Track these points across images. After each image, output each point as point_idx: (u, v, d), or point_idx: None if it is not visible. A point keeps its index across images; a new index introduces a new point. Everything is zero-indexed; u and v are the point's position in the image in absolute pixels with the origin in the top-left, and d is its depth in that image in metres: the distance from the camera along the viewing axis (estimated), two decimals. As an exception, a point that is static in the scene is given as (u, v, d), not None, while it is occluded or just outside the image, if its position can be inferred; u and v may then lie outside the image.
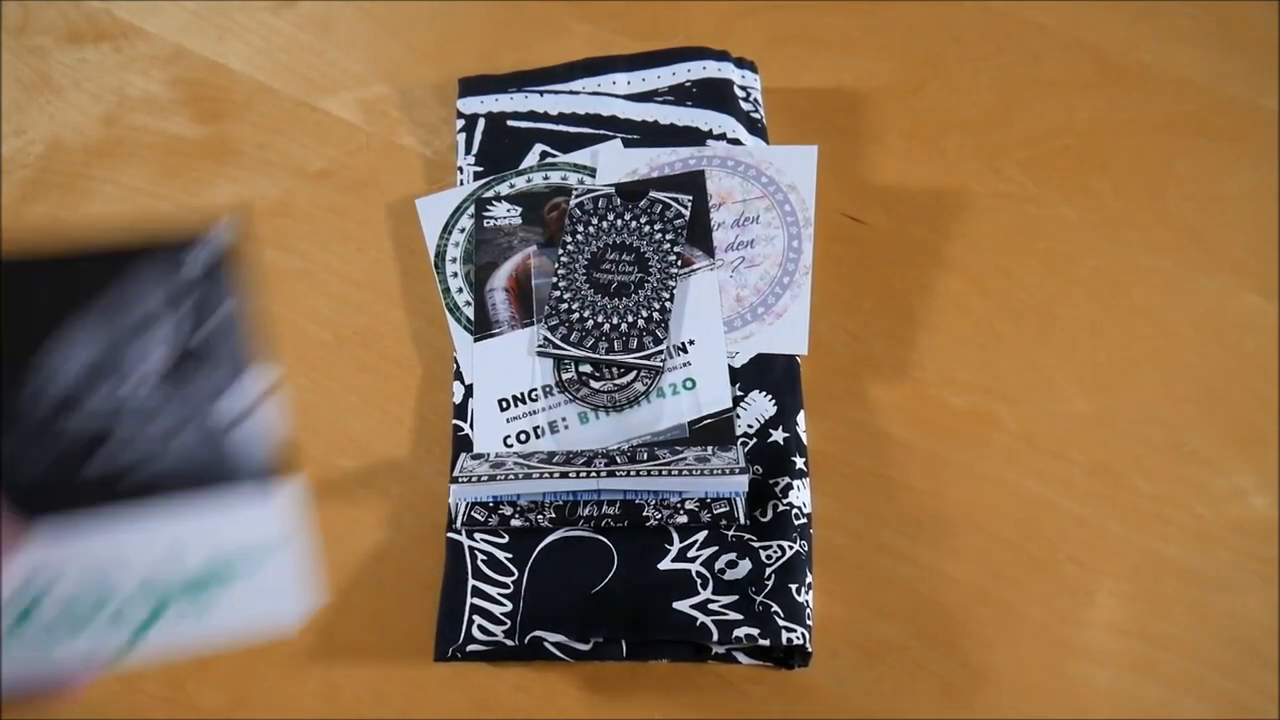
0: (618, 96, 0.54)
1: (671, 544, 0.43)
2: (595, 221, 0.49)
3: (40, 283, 0.35)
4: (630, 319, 0.47)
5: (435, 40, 0.60)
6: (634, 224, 0.49)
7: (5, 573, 0.29)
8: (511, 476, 0.42)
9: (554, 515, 0.43)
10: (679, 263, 0.48)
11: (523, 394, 0.46)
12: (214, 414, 0.33)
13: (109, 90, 0.60)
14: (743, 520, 0.42)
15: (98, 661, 0.30)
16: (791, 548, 0.42)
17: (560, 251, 0.49)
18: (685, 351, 0.47)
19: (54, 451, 0.33)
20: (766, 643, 0.40)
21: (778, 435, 0.45)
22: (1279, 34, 0.56)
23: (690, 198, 0.50)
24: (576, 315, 0.47)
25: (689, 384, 0.46)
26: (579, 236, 0.49)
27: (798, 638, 0.40)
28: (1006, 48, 0.57)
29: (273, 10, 0.62)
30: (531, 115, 0.54)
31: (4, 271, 0.35)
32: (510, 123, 0.54)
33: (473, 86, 0.56)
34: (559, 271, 0.48)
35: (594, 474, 0.42)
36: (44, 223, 0.56)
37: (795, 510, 0.43)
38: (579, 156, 0.53)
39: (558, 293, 0.48)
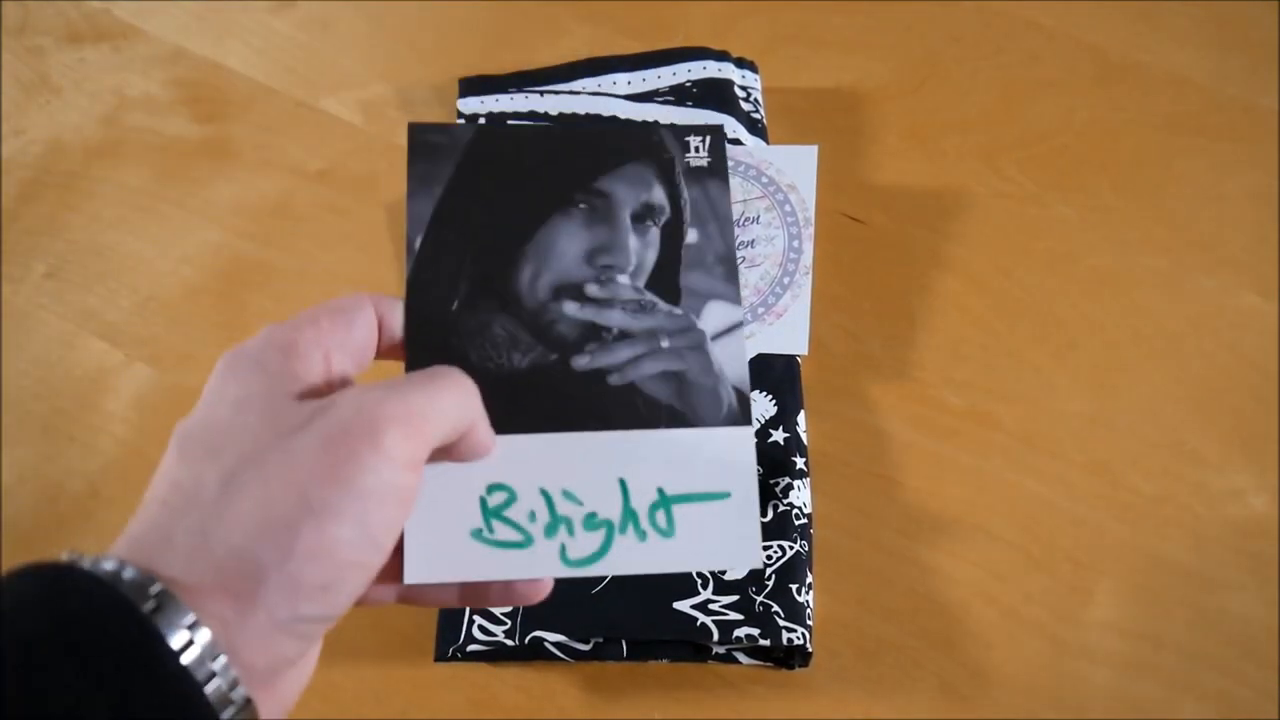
0: (618, 97, 0.54)
1: (672, 544, 0.43)
2: None
3: (546, 157, 0.35)
4: None
5: (435, 40, 0.60)
6: None
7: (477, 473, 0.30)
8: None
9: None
10: None
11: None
12: (701, 320, 0.33)
13: (109, 90, 0.60)
14: (743, 520, 0.42)
15: (544, 573, 0.30)
16: (792, 548, 0.42)
17: None
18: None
19: (548, 337, 0.32)
20: (767, 643, 0.40)
21: (778, 435, 0.45)
22: (1279, 34, 0.56)
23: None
24: None
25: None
26: None
27: (798, 638, 0.40)
28: (1006, 48, 0.57)
29: (273, 10, 0.62)
30: (532, 115, 0.54)
31: (511, 141, 0.36)
32: (511, 123, 0.54)
33: (473, 87, 0.56)
34: None
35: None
36: (44, 223, 0.56)
37: (796, 510, 0.43)
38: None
39: None
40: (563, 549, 0.31)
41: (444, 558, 0.30)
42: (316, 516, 0.24)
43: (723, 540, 0.31)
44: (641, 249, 0.34)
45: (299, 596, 0.24)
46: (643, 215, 0.34)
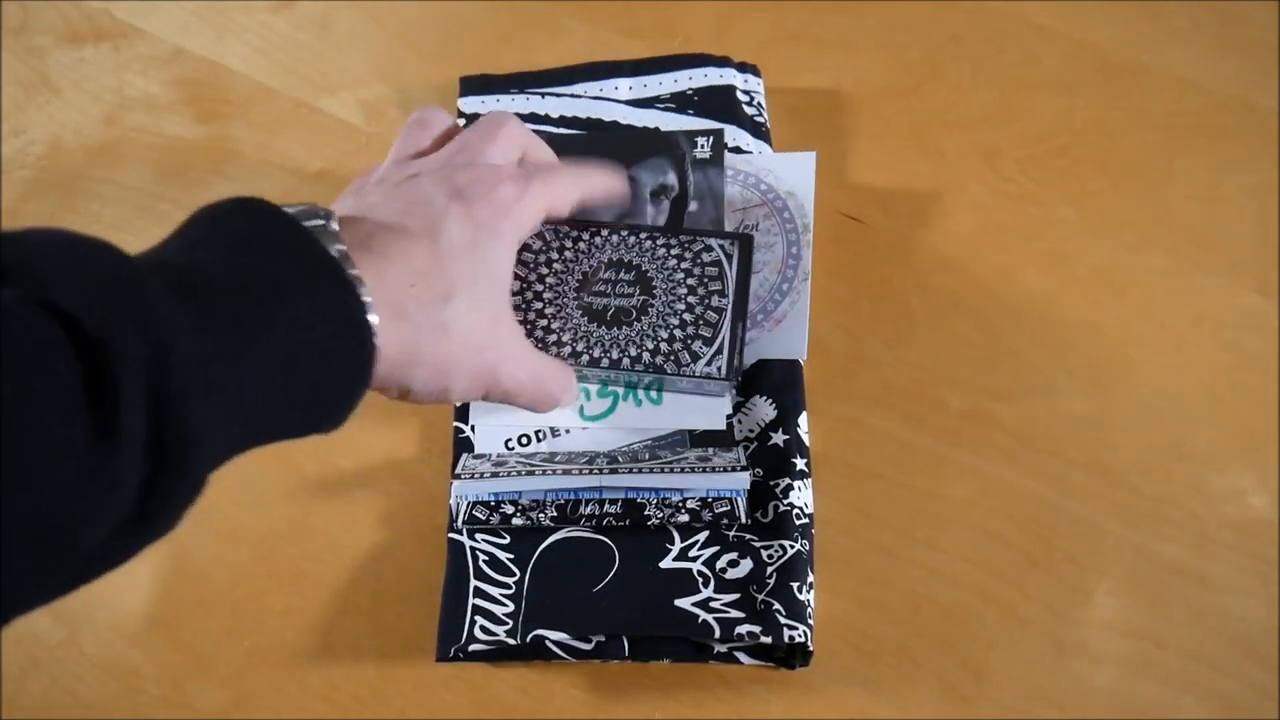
0: (619, 102, 0.54)
1: (673, 543, 0.43)
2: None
3: (594, 153, 0.47)
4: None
5: (435, 40, 0.60)
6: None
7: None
8: (514, 473, 0.42)
9: (555, 514, 0.43)
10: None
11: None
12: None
13: (109, 90, 0.60)
14: (744, 519, 0.42)
15: (566, 425, 0.45)
16: (793, 547, 0.42)
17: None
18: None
19: None
20: (768, 640, 0.40)
21: (778, 438, 0.45)
22: (1279, 34, 0.56)
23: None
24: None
25: (689, 384, 0.46)
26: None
27: (799, 635, 0.40)
28: (1006, 48, 0.57)
29: (273, 10, 0.62)
30: (532, 117, 0.54)
31: (569, 144, 0.50)
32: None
33: (474, 86, 0.56)
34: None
35: (596, 471, 0.42)
36: (44, 223, 0.56)
37: (796, 510, 0.43)
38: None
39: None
40: (581, 409, 0.45)
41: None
42: None
43: (696, 409, 0.44)
44: (655, 216, 0.47)
45: None
46: (658, 192, 0.48)
